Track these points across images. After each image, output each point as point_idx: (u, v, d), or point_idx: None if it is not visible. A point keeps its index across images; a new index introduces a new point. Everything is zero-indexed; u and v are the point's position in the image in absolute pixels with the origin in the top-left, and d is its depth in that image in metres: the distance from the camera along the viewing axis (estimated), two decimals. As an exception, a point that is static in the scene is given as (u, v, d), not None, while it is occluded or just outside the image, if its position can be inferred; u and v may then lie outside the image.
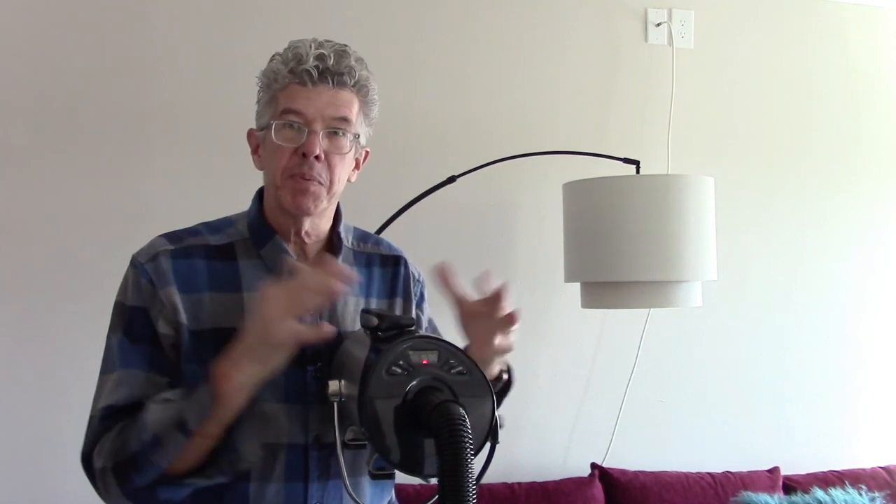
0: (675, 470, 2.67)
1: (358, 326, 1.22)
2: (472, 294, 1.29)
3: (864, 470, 2.78)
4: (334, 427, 1.07)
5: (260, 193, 1.31)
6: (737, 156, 2.90)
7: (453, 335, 1.24)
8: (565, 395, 2.73)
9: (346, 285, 1.10)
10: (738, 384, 2.88)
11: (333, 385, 1.10)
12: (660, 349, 2.78)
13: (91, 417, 1.19)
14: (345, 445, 1.07)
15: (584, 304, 2.41)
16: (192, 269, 1.22)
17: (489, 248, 2.68)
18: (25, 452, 2.30)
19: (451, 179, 2.37)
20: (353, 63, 1.21)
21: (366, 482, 1.23)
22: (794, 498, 2.55)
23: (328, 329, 1.04)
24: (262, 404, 1.15)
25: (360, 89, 1.23)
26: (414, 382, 1.03)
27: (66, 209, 2.36)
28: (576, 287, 2.48)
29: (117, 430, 1.14)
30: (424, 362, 1.04)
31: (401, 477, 1.14)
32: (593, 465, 2.64)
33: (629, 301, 2.25)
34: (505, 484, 2.49)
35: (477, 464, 0.98)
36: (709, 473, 2.67)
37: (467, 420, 0.96)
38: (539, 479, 2.55)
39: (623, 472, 2.62)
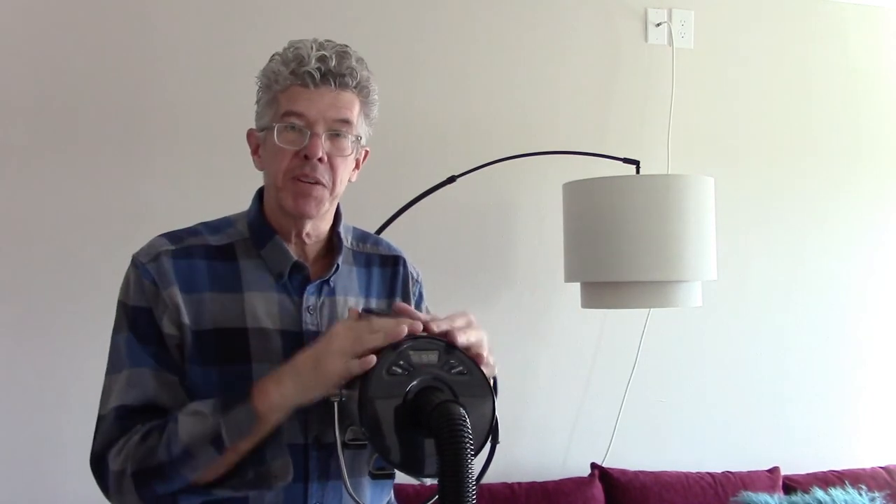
0: (675, 470, 2.67)
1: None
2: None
3: (864, 470, 2.78)
4: (334, 427, 1.07)
5: (260, 193, 1.31)
6: (737, 156, 2.90)
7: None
8: (565, 395, 2.73)
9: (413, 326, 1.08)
10: (738, 384, 2.88)
11: (333, 385, 1.10)
12: (660, 349, 2.78)
13: (101, 417, 1.19)
14: (345, 445, 1.07)
15: (584, 304, 2.41)
16: (192, 269, 1.22)
17: (489, 248, 2.68)
18: (25, 452, 2.30)
19: (451, 179, 2.37)
20: (354, 64, 1.21)
21: (366, 482, 1.23)
22: (794, 498, 2.55)
23: (372, 361, 1.04)
24: None
25: (362, 90, 1.23)
26: (414, 382, 1.03)
27: (66, 209, 2.36)
28: (576, 287, 2.48)
29: (140, 435, 1.14)
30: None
31: (401, 477, 1.14)
32: (593, 465, 2.64)
33: (629, 301, 2.25)
34: (505, 484, 2.49)
35: (477, 464, 0.98)
36: (709, 473, 2.67)
37: (468, 420, 0.96)
38: (539, 479, 2.55)
39: (623, 472, 2.62)
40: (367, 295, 1.33)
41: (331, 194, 1.23)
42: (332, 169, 1.22)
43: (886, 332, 3.04)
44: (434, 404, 0.98)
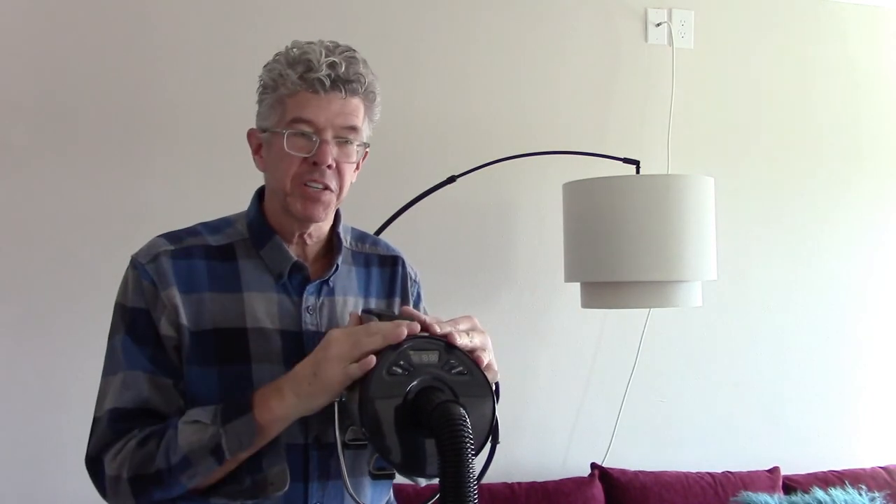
0: (675, 470, 2.67)
1: (358, 327, 1.22)
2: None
3: (864, 470, 2.78)
4: (334, 427, 1.07)
5: (259, 193, 1.31)
6: (737, 156, 2.90)
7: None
8: (565, 395, 2.73)
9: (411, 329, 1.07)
10: (738, 384, 2.88)
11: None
12: (660, 349, 2.78)
13: (97, 419, 1.19)
14: (345, 445, 1.07)
15: (584, 304, 2.41)
16: (192, 269, 1.22)
17: (489, 248, 2.68)
18: (25, 452, 2.30)
19: (451, 179, 2.37)
20: (361, 69, 1.21)
21: (366, 482, 1.23)
22: (794, 498, 2.55)
23: (372, 362, 1.03)
24: None
25: (368, 95, 1.23)
26: (414, 382, 1.03)
27: (66, 209, 2.36)
28: (576, 287, 2.48)
29: (137, 440, 1.14)
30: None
31: (401, 477, 1.14)
32: (593, 465, 2.64)
33: (629, 301, 2.25)
34: (505, 484, 2.49)
35: (477, 464, 0.98)
36: (709, 473, 2.67)
37: (468, 420, 0.96)
38: (539, 479, 2.55)
39: (623, 472, 2.62)
40: (367, 295, 1.33)
41: (337, 198, 1.24)
42: (340, 174, 1.22)
43: (886, 332, 3.04)
44: (434, 404, 0.98)
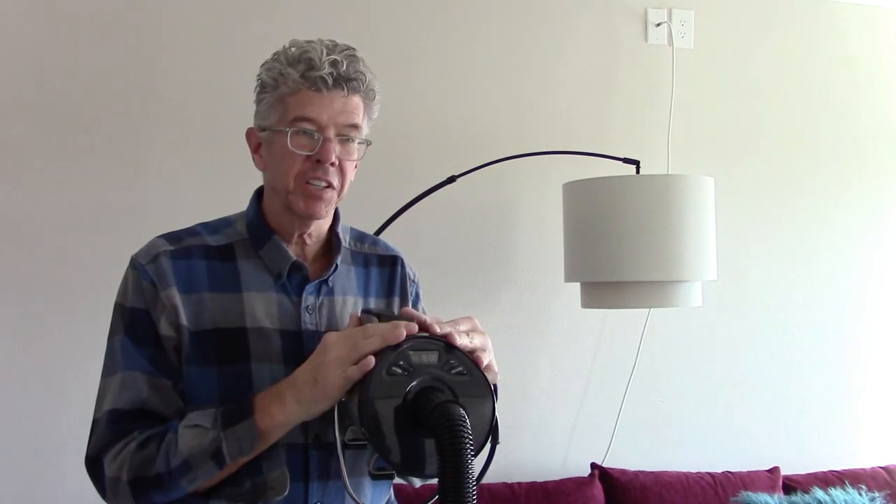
0: (675, 470, 2.67)
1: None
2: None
3: (864, 470, 2.78)
4: (334, 427, 1.07)
5: (258, 193, 1.31)
6: (737, 156, 2.90)
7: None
8: (565, 395, 2.73)
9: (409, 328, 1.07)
10: (738, 384, 2.88)
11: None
12: (660, 349, 2.78)
13: (96, 420, 1.19)
14: (345, 446, 1.07)
15: (584, 304, 2.41)
16: (191, 269, 1.22)
17: (489, 248, 2.68)
18: (25, 452, 2.30)
19: (451, 179, 2.37)
20: (362, 68, 1.22)
21: (366, 482, 1.23)
22: (794, 498, 2.55)
23: (371, 363, 1.03)
24: None
25: (368, 93, 1.24)
26: (414, 383, 1.03)
27: (66, 209, 2.36)
28: (576, 287, 2.48)
29: (137, 443, 1.14)
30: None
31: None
32: (593, 465, 2.64)
33: (629, 301, 2.25)
34: (505, 484, 2.49)
35: (477, 464, 0.98)
36: (709, 473, 2.67)
37: (467, 420, 0.96)
38: (539, 479, 2.55)
39: (623, 472, 2.61)
40: (366, 295, 1.33)
41: (338, 196, 1.25)
42: (342, 172, 1.23)
43: (886, 332, 3.04)
44: (434, 404, 0.98)
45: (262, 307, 1.22)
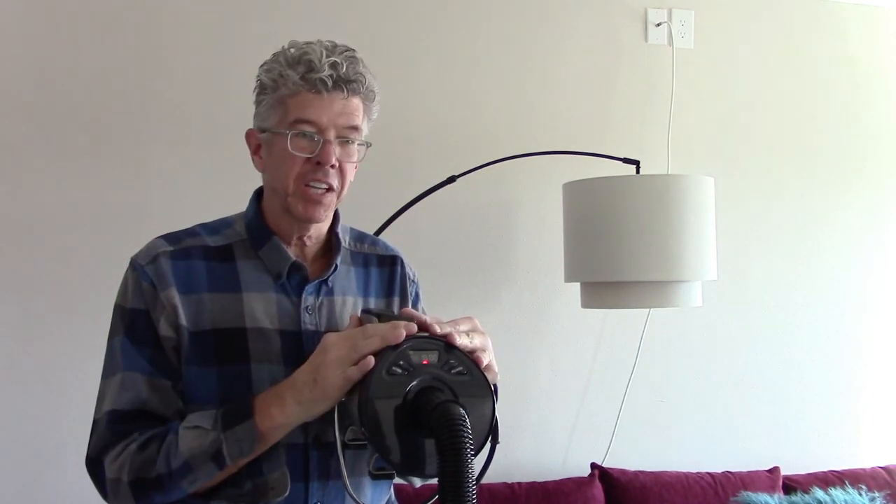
0: (675, 470, 2.67)
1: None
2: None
3: (864, 470, 2.78)
4: (334, 427, 1.07)
5: (257, 194, 1.31)
6: (737, 156, 2.90)
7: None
8: (565, 395, 2.73)
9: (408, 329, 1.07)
10: (738, 384, 2.88)
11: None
12: (660, 349, 2.78)
13: (96, 421, 1.19)
14: (345, 446, 1.07)
15: (584, 304, 2.41)
16: (191, 270, 1.22)
17: (489, 248, 2.68)
18: (25, 452, 2.30)
19: (451, 179, 2.37)
20: (361, 69, 1.22)
21: (366, 482, 1.23)
22: (794, 498, 2.55)
23: (371, 363, 1.04)
24: None
25: (368, 95, 1.24)
26: (414, 382, 1.03)
27: (66, 209, 2.36)
28: (576, 287, 2.48)
29: (137, 444, 1.14)
30: (425, 362, 1.04)
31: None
32: (593, 465, 2.64)
33: (629, 301, 2.25)
34: (505, 484, 2.49)
35: (477, 464, 0.98)
36: (709, 473, 2.67)
37: (467, 420, 0.96)
38: (539, 479, 2.55)
39: (623, 472, 2.61)
40: (366, 295, 1.33)
41: (338, 198, 1.25)
42: (342, 174, 1.23)
43: (886, 332, 3.04)
44: (434, 404, 0.98)
45: (261, 307, 1.22)
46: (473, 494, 0.93)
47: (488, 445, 1.07)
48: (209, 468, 1.11)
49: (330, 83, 1.18)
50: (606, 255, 2.21)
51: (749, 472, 2.69)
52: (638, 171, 2.40)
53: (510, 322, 2.67)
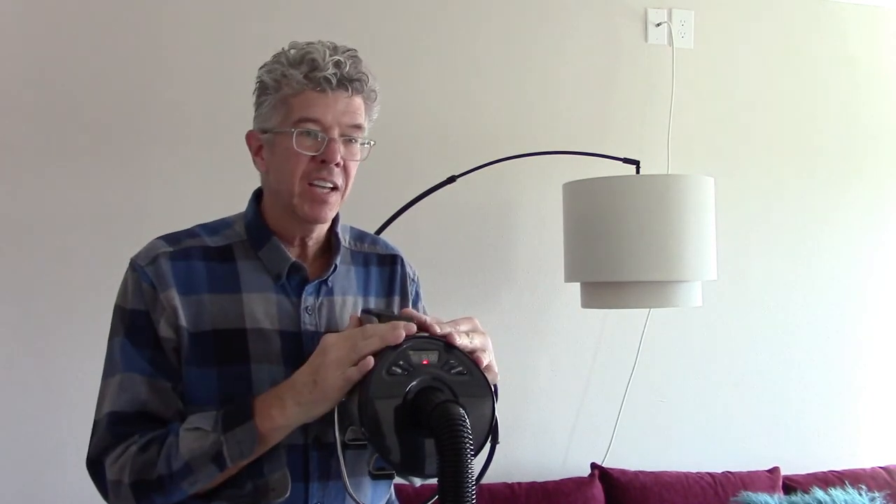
0: (675, 470, 2.67)
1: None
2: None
3: (864, 470, 2.78)
4: (334, 427, 1.07)
5: (256, 195, 1.31)
6: (737, 156, 2.90)
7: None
8: (565, 395, 2.73)
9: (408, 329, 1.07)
10: (738, 384, 2.88)
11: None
12: (660, 349, 2.78)
13: (96, 422, 1.19)
14: (345, 446, 1.07)
15: (584, 304, 2.41)
16: (190, 270, 1.22)
17: (489, 248, 2.68)
18: (25, 452, 2.30)
19: (451, 179, 2.37)
20: (364, 69, 1.22)
21: (366, 482, 1.23)
22: (794, 498, 2.55)
23: (370, 364, 1.04)
24: None
25: (370, 94, 1.24)
26: (414, 382, 1.03)
27: (66, 209, 2.36)
28: (576, 287, 2.48)
29: (138, 446, 1.14)
30: (424, 362, 1.04)
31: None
32: (593, 465, 2.64)
33: (629, 301, 2.25)
34: (505, 484, 2.49)
35: (477, 464, 0.98)
36: (709, 473, 2.67)
37: (467, 420, 0.96)
38: (539, 479, 2.55)
39: (623, 472, 2.61)
40: (366, 294, 1.33)
41: (342, 198, 1.25)
42: (346, 172, 1.23)
43: (886, 332, 3.04)
44: (434, 404, 0.98)
45: (261, 308, 1.22)
46: (473, 494, 0.93)
47: (488, 445, 1.07)
48: (210, 469, 1.11)
49: (334, 81, 1.18)
50: (606, 255, 2.21)
51: (749, 472, 2.69)
52: (638, 171, 2.40)
53: (510, 322, 2.67)
